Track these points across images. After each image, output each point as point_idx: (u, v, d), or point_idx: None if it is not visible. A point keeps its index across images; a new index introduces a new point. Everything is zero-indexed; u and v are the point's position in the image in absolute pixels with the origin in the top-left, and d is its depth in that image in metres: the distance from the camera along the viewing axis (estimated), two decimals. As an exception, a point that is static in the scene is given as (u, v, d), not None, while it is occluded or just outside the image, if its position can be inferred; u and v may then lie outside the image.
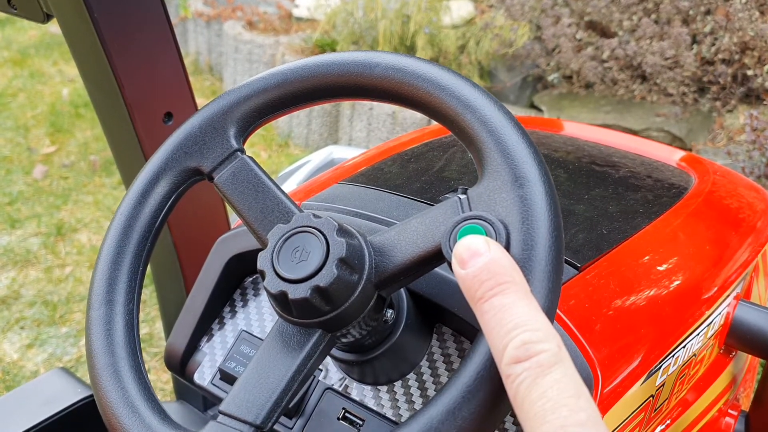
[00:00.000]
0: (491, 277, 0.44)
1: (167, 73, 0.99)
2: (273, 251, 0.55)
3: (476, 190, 0.56)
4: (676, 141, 2.83)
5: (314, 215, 0.56)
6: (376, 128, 3.32)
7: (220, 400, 0.83)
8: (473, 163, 1.00)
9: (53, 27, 5.13)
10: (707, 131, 2.84)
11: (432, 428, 0.48)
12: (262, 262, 0.55)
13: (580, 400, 0.36)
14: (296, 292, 0.53)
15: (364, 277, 0.56)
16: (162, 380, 2.20)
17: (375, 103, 3.29)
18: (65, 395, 1.12)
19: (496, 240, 0.52)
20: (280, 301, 0.55)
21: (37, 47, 4.73)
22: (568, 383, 0.37)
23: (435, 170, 0.97)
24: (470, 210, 0.56)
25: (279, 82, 0.67)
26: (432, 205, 0.84)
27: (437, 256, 0.56)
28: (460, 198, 0.57)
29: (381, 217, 0.82)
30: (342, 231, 0.55)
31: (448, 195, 0.88)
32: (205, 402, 1.21)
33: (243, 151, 0.67)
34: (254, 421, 0.54)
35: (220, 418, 0.55)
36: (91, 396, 1.13)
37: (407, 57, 0.63)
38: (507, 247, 0.52)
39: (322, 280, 0.53)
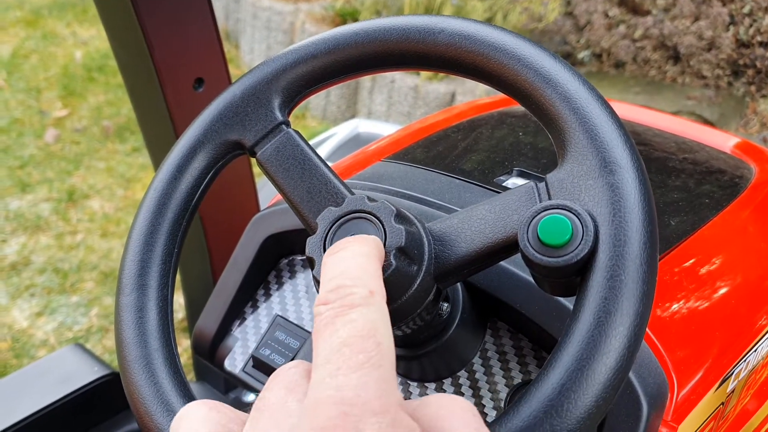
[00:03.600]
0: (342, 241, 0.44)
1: (199, 36, 0.92)
2: (324, 237, 0.49)
3: (557, 175, 0.50)
4: (706, 125, 2.75)
5: (369, 198, 0.50)
6: (397, 102, 3.24)
7: (252, 388, 0.78)
8: (525, 143, 0.93)
9: (67, -12, 5.04)
10: (739, 116, 2.76)
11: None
12: (312, 248, 0.49)
13: (367, 341, 0.34)
14: None
15: (423, 268, 0.50)
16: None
17: (397, 76, 3.21)
18: (81, 373, 1.07)
19: (583, 234, 0.46)
20: None
21: (51, 8, 4.64)
22: (361, 322, 0.35)
23: (486, 149, 0.91)
24: (549, 198, 0.50)
25: (330, 48, 0.60)
26: (486, 188, 0.78)
27: (508, 248, 0.51)
28: (536, 184, 0.51)
29: (431, 199, 0.76)
30: (400, 217, 0.49)
31: (502, 177, 0.82)
32: (226, 384, 1.16)
33: (288, 124, 0.60)
34: None
35: None
36: (109, 375, 1.09)
37: (476, 23, 0.56)
38: (595, 243, 0.45)
39: None
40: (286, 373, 0.38)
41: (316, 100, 3.57)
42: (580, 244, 0.46)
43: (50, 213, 2.79)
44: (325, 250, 0.49)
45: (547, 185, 0.50)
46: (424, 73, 3.20)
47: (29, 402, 1.02)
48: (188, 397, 0.52)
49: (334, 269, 0.39)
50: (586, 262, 0.46)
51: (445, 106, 3.15)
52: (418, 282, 0.50)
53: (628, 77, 3.06)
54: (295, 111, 3.63)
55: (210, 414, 0.38)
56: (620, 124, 0.50)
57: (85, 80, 3.80)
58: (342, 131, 1.77)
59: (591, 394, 0.42)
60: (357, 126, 1.79)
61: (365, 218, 0.49)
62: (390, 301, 0.50)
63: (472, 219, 0.52)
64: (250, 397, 1.13)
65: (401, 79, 3.20)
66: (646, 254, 0.45)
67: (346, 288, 0.37)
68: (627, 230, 0.46)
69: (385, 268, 0.47)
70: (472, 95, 3.07)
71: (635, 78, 3.04)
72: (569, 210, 0.47)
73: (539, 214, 0.47)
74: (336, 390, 0.32)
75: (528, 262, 0.48)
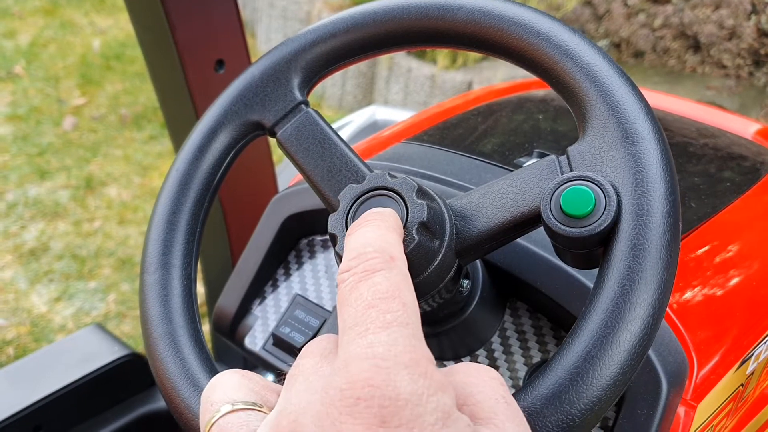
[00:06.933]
0: (362, 218, 0.45)
1: (221, 18, 0.92)
2: (346, 214, 0.49)
3: (578, 147, 0.51)
4: (725, 116, 2.73)
5: (390, 175, 0.50)
6: (413, 91, 3.24)
7: (271, 367, 0.79)
8: (545, 126, 0.93)
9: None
10: (760, 107, 2.74)
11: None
12: (334, 225, 0.50)
13: (392, 302, 0.35)
14: None
15: (445, 243, 0.50)
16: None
17: (414, 65, 3.20)
18: (102, 353, 1.09)
19: (606, 205, 0.46)
20: None
21: (69, -3, 4.67)
22: (385, 285, 0.36)
23: (506, 131, 0.91)
24: (571, 170, 0.50)
25: (349, 27, 0.60)
26: (506, 168, 0.78)
27: (530, 222, 0.51)
28: (557, 157, 0.51)
29: (451, 179, 0.76)
30: (421, 193, 0.49)
31: (522, 158, 0.82)
32: (245, 365, 1.17)
33: (307, 104, 0.61)
34: None
35: None
36: (129, 355, 1.10)
37: None
38: (618, 213, 0.46)
39: None
40: (319, 343, 0.39)
41: (331, 90, 3.57)
42: (603, 214, 0.46)
43: (68, 200, 2.81)
44: (347, 227, 0.49)
45: (568, 158, 0.51)
46: (441, 62, 3.19)
47: (52, 380, 1.03)
48: (213, 372, 0.53)
49: (354, 242, 0.40)
50: (609, 232, 0.46)
51: (462, 96, 3.14)
52: (439, 257, 0.50)
53: (648, 67, 3.04)
54: (311, 100, 3.62)
55: (243, 381, 0.39)
56: (641, 95, 0.51)
57: (103, 69, 3.82)
58: (359, 118, 1.77)
59: (616, 362, 0.43)
60: (374, 113, 1.79)
61: (387, 194, 0.50)
62: (411, 277, 0.50)
63: (494, 194, 0.52)
64: (268, 377, 1.14)
65: (418, 68, 3.19)
66: (669, 223, 0.46)
67: (368, 254, 0.38)
68: (650, 200, 0.46)
69: (407, 243, 0.47)
70: (489, 84, 3.06)
71: (654, 68, 3.01)
72: (592, 181, 0.47)
73: (562, 185, 0.48)
74: (367, 347, 0.33)
75: (551, 233, 0.48)
